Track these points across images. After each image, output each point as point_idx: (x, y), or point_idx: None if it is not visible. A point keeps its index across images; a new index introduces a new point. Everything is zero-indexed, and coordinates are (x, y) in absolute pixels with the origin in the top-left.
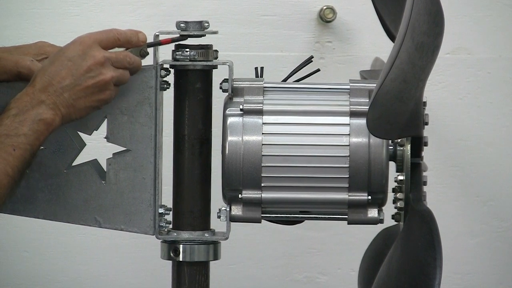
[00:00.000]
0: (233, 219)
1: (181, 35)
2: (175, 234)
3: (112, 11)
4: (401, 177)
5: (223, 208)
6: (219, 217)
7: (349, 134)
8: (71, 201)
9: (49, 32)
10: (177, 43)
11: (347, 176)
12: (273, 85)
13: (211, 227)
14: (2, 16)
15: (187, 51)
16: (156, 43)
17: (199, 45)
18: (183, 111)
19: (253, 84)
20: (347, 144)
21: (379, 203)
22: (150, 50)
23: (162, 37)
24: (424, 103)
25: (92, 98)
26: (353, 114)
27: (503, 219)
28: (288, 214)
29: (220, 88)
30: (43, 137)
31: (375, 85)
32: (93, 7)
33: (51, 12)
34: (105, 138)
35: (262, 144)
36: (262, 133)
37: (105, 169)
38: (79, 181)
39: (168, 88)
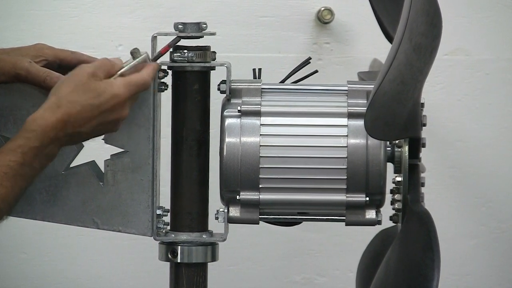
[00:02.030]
0: (231, 220)
1: (175, 37)
2: (173, 235)
3: (110, 12)
4: (399, 179)
5: (221, 210)
6: (217, 218)
7: (347, 136)
8: (69, 203)
9: (48, 33)
10: (174, 45)
11: (345, 177)
12: (271, 87)
13: (209, 229)
14: (0, 18)
15: (185, 53)
16: (159, 56)
17: (197, 46)
18: (181, 113)
19: (251, 85)
20: (345, 145)
21: (377, 204)
22: (148, 52)
23: (158, 39)
24: (422, 104)
25: (100, 133)
26: (351, 115)
27: (501, 221)
28: (286, 216)
29: (218, 89)
30: (44, 168)
31: (373, 86)
32: (91, 9)
33: (49, 14)
34: (103, 139)
35: (260, 146)
36: (260, 135)
37: (103, 171)
38: (77, 183)
39: (166, 89)
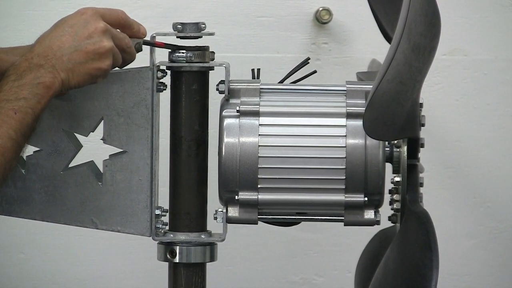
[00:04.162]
0: (229, 220)
1: (175, 45)
2: (171, 235)
3: None
4: (397, 179)
5: (219, 210)
6: (215, 218)
7: (345, 136)
8: (67, 203)
9: None
10: (169, 49)
11: (344, 177)
12: (269, 87)
13: (208, 229)
14: (0, 18)
15: (183, 53)
16: (151, 43)
17: (196, 46)
18: (180, 113)
19: (249, 85)
20: (344, 145)
21: (376, 204)
22: (147, 51)
23: (157, 39)
24: (421, 105)
25: (92, 65)
26: (349, 115)
27: (499, 221)
28: (285, 216)
29: (217, 89)
30: (44, 100)
31: (371, 86)
32: None
33: (48, 14)
34: (101, 139)
35: (259, 146)
36: (259, 135)
37: (101, 171)
38: (76, 183)
39: (165, 89)
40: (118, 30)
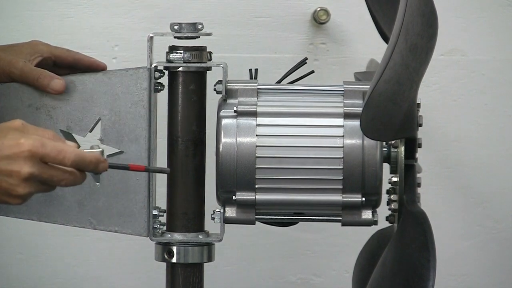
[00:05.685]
0: (227, 220)
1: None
2: (169, 235)
3: (106, 13)
4: (395, 179)
5: (217, 210)
6: (213, 218)
7: (343, 136)
8: (65, 203)
9: (44, 34)
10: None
11: (341, 177)
12: (267, 87)
13: (205, 229)
14: None
15: (181, 53)
16: (123, 167)
17: (193, 47)
18: (177, 113)
19: (247, 85)
20: (341, 145)
21: (373, 204)
22: (144, 51)
23: (155, 40)
24: (418, 105)
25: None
26: (347, 115)
27: (497, 221)
28: (282, 216)
29: (214, 89)
30: None
31: (369, 86)
32: (88, 9)
33: (46, 14)
34: (99, 140)
35: (256, 146)
36: (256, 135)
37: None
38: None
39: (162, 89)
40: (54, 169)
